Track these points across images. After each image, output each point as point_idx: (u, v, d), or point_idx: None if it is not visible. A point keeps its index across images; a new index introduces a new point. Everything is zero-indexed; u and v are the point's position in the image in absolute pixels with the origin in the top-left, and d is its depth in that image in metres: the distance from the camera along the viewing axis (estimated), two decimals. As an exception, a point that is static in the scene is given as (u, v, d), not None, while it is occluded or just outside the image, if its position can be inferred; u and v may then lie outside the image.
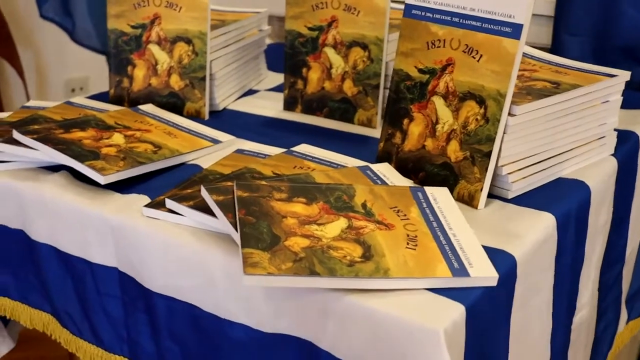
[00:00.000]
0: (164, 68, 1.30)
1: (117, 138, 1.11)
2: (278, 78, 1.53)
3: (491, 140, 0.94)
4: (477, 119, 0.96)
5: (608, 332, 1.27)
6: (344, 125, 1.27)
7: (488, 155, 0.94)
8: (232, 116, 1.32)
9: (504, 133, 0.94)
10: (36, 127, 1.10)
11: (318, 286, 0.75)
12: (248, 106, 1.36)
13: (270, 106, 1.37)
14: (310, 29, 1.28)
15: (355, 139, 1.21)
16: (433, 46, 1.01)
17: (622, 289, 1.28)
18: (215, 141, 1.16)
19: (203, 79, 1.28)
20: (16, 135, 1.07)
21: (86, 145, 1.06)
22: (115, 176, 1.00)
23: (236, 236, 0.81)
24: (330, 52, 1.27)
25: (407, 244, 0.82)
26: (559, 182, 1.03)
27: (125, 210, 0.95)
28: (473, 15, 0.96)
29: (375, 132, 1.24)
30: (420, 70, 1.02)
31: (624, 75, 1.08)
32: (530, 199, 0.98)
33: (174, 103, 1.30)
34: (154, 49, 1.30)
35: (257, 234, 0.80)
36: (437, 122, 1.00)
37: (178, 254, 0.89)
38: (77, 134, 1.10)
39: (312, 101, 1.31)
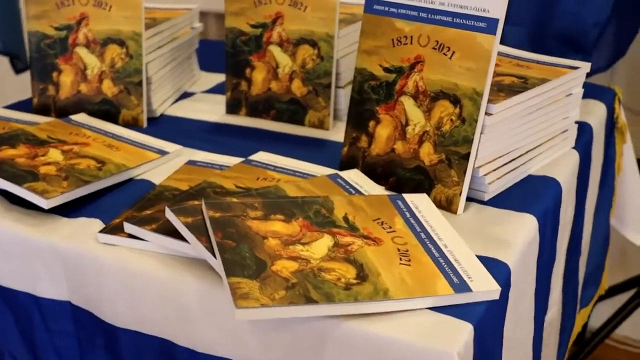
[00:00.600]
0: (95, 73, 1.19)
1: (54, 154, 1.00)
2: (212, 78, 1.44)
3: (469, 141, 0.90)
4: (452, 120, 0.91)
5: (568, 324, 1.26)
6: (294, 128, 1.20)
7: (466, 157, 0.90)
8: (172, 122, 1.23)
9: (481, 133, 0.90)
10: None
11: (316, 314, 0.69)
12: (187, 111, 1.27)
13: (211, 110, 1.28)
14: (253, 26, 1.20)
15: (310, 143, 1.14)
16: (399, 43, 0.95)
17: (578, 280, 1.27)
18: (162, 152, 1.07)
19: (139, 83, 1.18)
20: (-62, 157, 0.95)
21: (21, 164, 0.95)
22: (60, 199, 0.89)
23: (216, 263, 0.73)
24: (275, 50, 1.20)
25: (400, 259, 0.76)
26: (530, 180, 1.00)
27: (76, 236, 0.86)
28: (443, 10, 0.91)
29: (329, 134, 1.18)
30: (386, 69, 0.97)
31: (586, 67, 1.06)
32: (507, 200, 0.94)
33: (107, 111, 1.20)
34: (81, 52, 1.19)
35: (240, 259, 0.73)
36: (407, 124, 0.95)
37: (144, 283, 0.80)
38: (7, 152, 0.98)
39: (257, 103, 1.23)
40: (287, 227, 0.79)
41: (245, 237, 0.76)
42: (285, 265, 0.73)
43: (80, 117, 1.15)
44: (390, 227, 0.82)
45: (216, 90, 1.38)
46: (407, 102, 0.95)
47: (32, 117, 1.19)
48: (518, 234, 0.86)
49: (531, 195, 0.96)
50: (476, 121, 0.89)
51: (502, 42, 1.59)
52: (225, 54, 1.23)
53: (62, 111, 1.21)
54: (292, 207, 0.82)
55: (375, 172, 0.98)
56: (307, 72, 1.18)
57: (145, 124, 1.19)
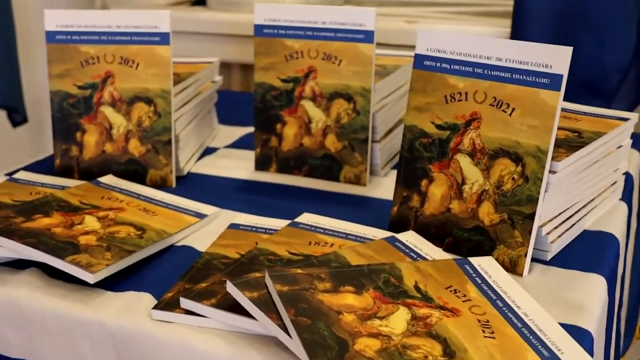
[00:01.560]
0: (121, 132, 1.15)
1: (91, 222, 0.95)
2: (232, 132, 1.41)
3: (533, 200, 0.86)
4: (513, 178, 0.88)
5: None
6: (328, 184, 1.16)
7: (531, 217, 0.87)
8: (200, 181, 1.18)
9: (545, 192, 0.87)
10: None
11: (410, 398, 0.65)
12: (214, 168, 1.23)
13: (238, 166, 1.24)
14: (283, 80, 1.17)
15: (349, 200, 1.10)
16: (453, 100, 0.92)
17: (620, 332, 1.24)
18: (200, 215, 1.02)
19: (168, 142, 1.14)
20: (-31, 229, 0.89)
21: (59, 235, 0.90)
22: (105, 272, 0.84)
23: (293, 344, 0.69)
24: (308, 105, 1.16)
25: (483, 332, 0.72)
26: (587, 235, 0.97)
27: (126, 313, 0.80)
28: (500, 66, 0.88)
29: (365, 190, 1.14)
30: (439, 127, 0.94)
31: (634, 118, 1.04)
32: (569, 259, 0.91)
33: (134, 171, 1.15)
34: (107, 111, 1.15)
35: (319, 339, 0.68)
36: (463, 183, 0.92)
37: (206, 363, 0.75)
38: (42, 221, 0.93)
39: (288, 159, 1.19)
40: (359, 299, 0.75)
41: (319, 314, 0.71)
42: (368, 344, 0.68)
43: (109, 179, 1.10)
44: (465, 296, 0.78)
45: (239, 144, 1.34)
46: (463, 160, 0.92)
47: (55, 179, 1.13)
48: (592, 297, 0.83)
49: (593, 253, 0.93)
50: (540, 180, 0.86)
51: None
52: (254, 109, 1.20)
53: (86, 172, 1.16)
54: (360, 277, 0.78)
55: (429, 232, 0.94)
56: (342, 127, 1.15)
57: (174, 184, 1.15)
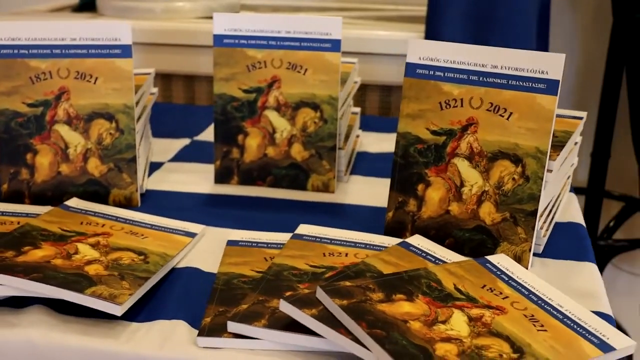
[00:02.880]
0: (78, 152, 1.07)
1: (87, 251, 0.88)
2: (167, 145, 1.36)
3: (535, 198, 0.92)
4: (514, 178, 0.93)
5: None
6: (295, 193, 1.16)
7: (533, 214, 0.92)
8: (161, 198, 1.13)
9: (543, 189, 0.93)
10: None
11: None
12: (169, 184, 1.18)
13: (194, 180, 1.20)
14: (245, 91, 1.15)
15: (328, 209, 1.11)
16: (448, 106, 0.96)
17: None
18: (190, 234, 0.98)
19: (133, 159, 1.08)
20: (-40, 269, 0.80)
21: (62, 267, 0.83)
22: (129, 302, 0.79)
23: (373, 357, 0.69)
24: (272, 115, 1.15)
25: (534, 326, 0.76)
26: (560, 227, 1.05)
27: (167, 343, 0.76)
28: (496, 73, 0.93)
29: (335, 197, 1.15)
30: (434, 132, 0.97)
31: (585, 116, 1.13)
32: (556, 251, 0.97)
33: (94, 192, 1.08)
34: (62, 129, 1.07)
35: (401, 349, 0.69)
36: (462, 185, 0.95)
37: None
38: (35, 254, 0.85)
39: (251, 170, 1.17)
40: (415, 306, 0.76)
41: (389, 324, 0.72)
42: (446, 349, 0.70)
43: (76, 203, 1.03)
44: (501, 293, 0.81)
45: (182, 158, 1.30)
46: (461, 164, 0.95)
47: (9, 206, 1.04)
48: (596, 284, 0.89)
49: (574, 243, 1.00)
50: (542, 179, 0.92)
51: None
52: (215, 121, 1.17)
53: (39, 196, 1.07)
54: (405, 284, 0.79)
55: (427, 234, 0.97)
56: (308, 136, 1.15)
57: (139, 203, 1.09)
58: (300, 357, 0.75)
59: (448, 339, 0.72)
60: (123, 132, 1.07)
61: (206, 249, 0.97)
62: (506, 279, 0.85)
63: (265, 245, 0.95)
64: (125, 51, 1.06)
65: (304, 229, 0.98)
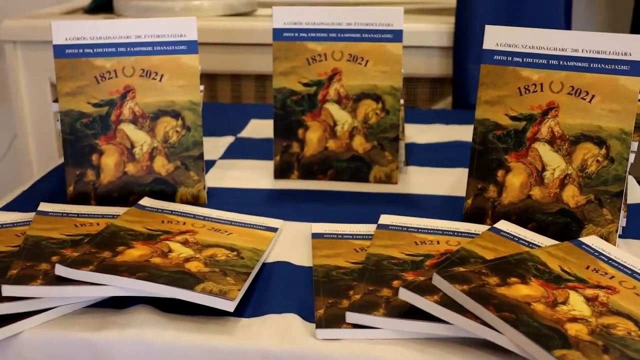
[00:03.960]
0: (144, 151, 1.05)
1: (180, 248, 0.87)
2: (211, 143, 1.34)
3: (621, 179, 0.92)
4: (597, 160, 0.94)
5: None
6: (358, 186, 1.16)
7: (619, 195, 0.93)
8: (225, 196, 1.12)
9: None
10: (77, 255, 0.81)
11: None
12: (228, 180, 1.17)
13: (253, 177, 1.19)
14: (305, 84, 1.14)
15: (395, 199, 1.10)
16: (527, 91, 0.96)
17: None
18: (271, 229, 0.97)
19: (200, 157, 1.07)
20: (63, 270, 0.78)
21: (163, 265, 0.81)
22: (239, 297, 0.78)
23: (506, 340, 0.69)
24: (332, 107, 1.15)
25: (649, 303, 0.77)
26: (631, 208, 1.06)
27: (286, 336, 0.75)
28: (578, 57, 0.94)
29: (400, 188, 1.15)
30: (514, 118, 0.97)
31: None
32: (636, 231, 0.98)
33: (161, 191, 1.06)
34: (127, 129, 1.05)
35: (536, 330, 0.69)
36: (543, 169, 0.96)
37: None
38: (132, 254, 0.84)
39: (311, 164, 1.17)
40: (531, 289, 0.76)
41: (514, 307, 0.72)
42: (576, 329, 0.70)
43: (149, 202, 1.01)
44: (606, 273, 0.82)
45: (232, 154, 1.28)
46: (542, 148, 0.96)
47: (82, 208, 1.01)
48: (688, 261, 0.91)
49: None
50: (627, 159, 0.92)
51: (468, 82, 1.67)
52: (274, 116, 1.16)
53: (105, 197, 1.05)
54: (514, 268, 0.79)
55: (508, 220, 0.97)
56: (370, 127, 1.14)
57: (206, 201, 1.08)
58: (420, 344, 0.74)
59: (574, 319, 0.72)
60: (189, 129, 1.06)
61: (289, 243, 0.96)
62: (605, 259, 0.86)
63: (351, 237, 0.95)
64: (190, 47, 1.04)
65: (387, 219, 0.97)
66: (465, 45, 1.62)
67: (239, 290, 0.79)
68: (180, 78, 1.05)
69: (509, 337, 0.69)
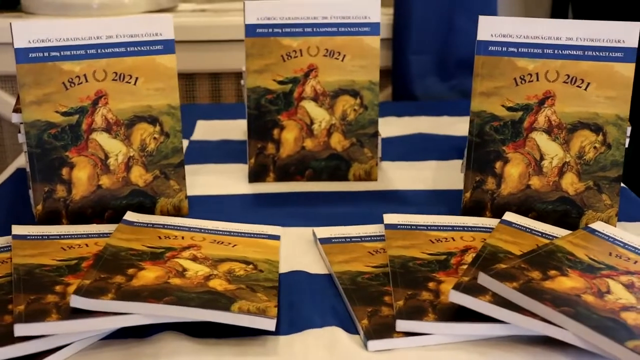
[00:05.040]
0: (120, 161, 0.97)
1: (193, 266, 0.80)
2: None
3: (618, 164, 0.94)
4: (595, 147, 0.95)
5: None
6: (338, 185, 1.12)
7: (617, 180, 0.94)
8: (203, 203, 1.05)
9: (623, 155, 0.95)
10: (90, 283, 0.73)
11: None
12: (201, 188, 1.10)
13: (225, 182, 1.12)
14: (280, 82, 1.09)
15: (382, 197, 1.08)
16: (523, 81, 0.96)
17: None
18: (274, 237, 0.92)
19: (180, 164, 0.99)
20: (81, 301, 0.69)
21: (184, 286, 0.75)
22: (274, 312, 0.73)
23: (570, 335, 0.67)
24: (309, 105, 1.10)
25: (680, 285, 0.78)
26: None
27: (335, 351, 0.70)
28: (572, 45, 0.94)
29: (381, 185, 1.12)
30: (510, 108, 0.96)
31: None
32: (626, 214, 1.00)
33: (139, 204, 0.98)
34: (100, 138, 0.96)
35: (598, 322, 0.68)
36: (542, 159, 0.96)
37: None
38: (147, 276, 0.76)
39: (288, 165, 1.11)
40: (573, 281, 0.75)
41: (569, 301, 0.71)
42: (632, 317, 0.70)
43: (135, 217, 0.93)
44: (629, 258, 0.83)
45: (193, 160, 1.21)
46: (540, 137, 0.96)
47: (50, 228, 0.91)
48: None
49: (634, 204, 1.04)
50: (623, 144, 0.94)
51: (408, 72, 1.67)
52: (248, 117, 1.10)
53: (77, 215, 0.96)
54: (548, 261, 0.79)
55: (509, 210, 0.97)
56: (349, 124, 1.11)
57: (188, 211, 1.01)
58: (477, 347, 0.72)
59: (625, 308, 0.72)
60: (168, 135, 0.98)
61: (293, 250, 0.91)
62: (621, 244, 0.87)
63: (360, 240, 0.91)
64: (167, 47, 0.96)
65: (392, 218, 0.94)
66: (405, 36, 1.62)
67: (274, 306, 0.73)
68: (156, 80, 0.97)
69: (572, 332, 0.69)
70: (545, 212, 0.97)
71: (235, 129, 1.36)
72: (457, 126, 1.36)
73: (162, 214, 1.00)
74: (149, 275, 0.77)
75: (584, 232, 0.88)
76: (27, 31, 0.91)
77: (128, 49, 0.96)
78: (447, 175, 1.15)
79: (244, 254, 0.85)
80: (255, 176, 1.12)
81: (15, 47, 0.91)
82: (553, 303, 0.71)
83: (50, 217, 0.96)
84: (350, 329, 0.75)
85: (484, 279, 0.74)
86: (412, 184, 1.12)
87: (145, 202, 0.99)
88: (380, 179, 1.14)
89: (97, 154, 0.96)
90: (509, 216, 0.94)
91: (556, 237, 0.89)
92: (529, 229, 0.91)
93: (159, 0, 1.72)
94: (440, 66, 1.64)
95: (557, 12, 1.78)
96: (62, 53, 0.93)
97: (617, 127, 0.94)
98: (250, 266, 0.82)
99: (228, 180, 1.13)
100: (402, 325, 0.72)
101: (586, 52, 0.95)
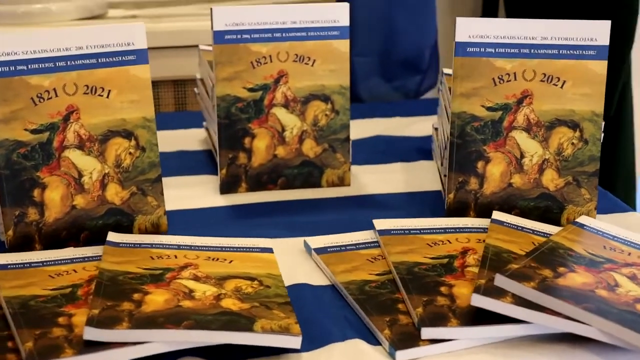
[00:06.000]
0: (95, 179, 0.91)
1: (196, 286, 0.76)
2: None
3: (595, 159, 0.97)
4: (573, 143, 0.97)
5: None
6: (312, 192, 1.10)
7: (595, 174, 0.97)
8: (179, 218, 1.01)
9: (598, 150, 0.98)
10: (99, 312, 0.68)
11: None
12: (171, 202, 1.04)
13: (195, 195, 1.08)
14: (250, 90, 1.06)
15: (360, 202, 1.07)
16: (501, 81, 0.97)
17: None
18: (267, 250, 0.89)
19: (158, 179, 0.95)
20: (95, 333, 0.64)
21: (199, 309, 0.71)
22: (298, 329, 0.70)
23: (596, 332, 0.68)
24: (280, 112, 1.07)
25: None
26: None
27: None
28: (547, 44, 0.96)
29: (354, 190, 1.11)
30: (490, 108, 0.97)
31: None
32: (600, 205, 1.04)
33: (116, 223, 0.93)
34: (73, 155, 0.90)
35: (620, 316, 0.69)
36: (522, 157, 0.97)
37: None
38: (157, 301, 0.72)
39: (261, 175, 1.09)
40: (582, 276, 0.76)
41: (586, 297, 0.72)
42: (647, 309, 0.72)
43: (118, 237, 0.88)
44: (622, 251, 0.85)
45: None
46: (519, 136, 0.97)
47: (32, 255, 0.85)
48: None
49: (601, 194, 1.07)
50: (599, 139, 0.97)
51: (353, 74, 1.67)
52: (218, 126, 1.06)
53: (51, 238, 0.90)
54: (552, 257, 0.80)
55: (491, 210, 0.98)
56: (320, 130, 1.09)
57: (167, 228, 0.96)
58: (501, 349, 0.72)
59: (638, 300, 0.74)
60: (144, 149, 0.93)
61: (288, 262, 0.89)
62: (611, 237, 0.89)
63: (355, 247, 0.90)
64: (140, 57, 0.92)
65: (382, 224, 0.93)
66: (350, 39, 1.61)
67: (295, 322, 0.71)
68: (130, 92, 0.92)
69: (597, 328, 0.70)
70: (527, 209, 0.99)
71: (189, 139, 1.32)
72: (413, 127, 1.36)
73: (140, 232, 0.95)
74: (158, 299, 0.73)
75: (573, 227, 0.90)
76: (-7, 44, 0.85)
77: (99, 60, 0.90)
78: (418, 176, 1.16)
79: (244, 270, 0.82)
80: (228, 187, 1.09)
81: (-18, 62, 0.85)
82: (574, 300, 0.72)
83: (22, 243, 0.90)
84: (370, 339, 0.74)
85: (501, 281, 0.74)
86: (385, 188, 1.12)
87: (122, 220, 0.94)
88: (352, 183, 1.13)
89: (70, 172, 0.91)
90: (498, 215, 0.95)
91: (547, 234, 0.91)
92: (520, 226, 0.92)
93: (88, 7, 1.65)
94: (383, 67, 1.65)
95: (488, 10, 1.83)
96: (29, 66, 0.87)
97: (592, 122, 0.97)
98: (256, 282, 0.79)
99: (198, 192, 1.09)
100: (427, 332, 0.72)
101: (561, 51, 0.97)
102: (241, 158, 1.08)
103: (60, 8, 1.61)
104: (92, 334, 0.66)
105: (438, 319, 0.73)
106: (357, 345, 0.72)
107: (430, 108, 1.43)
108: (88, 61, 0.90)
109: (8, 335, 0.70)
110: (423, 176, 1.15)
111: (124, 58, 0.92)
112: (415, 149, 1.27)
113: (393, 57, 1.65)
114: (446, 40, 1.82)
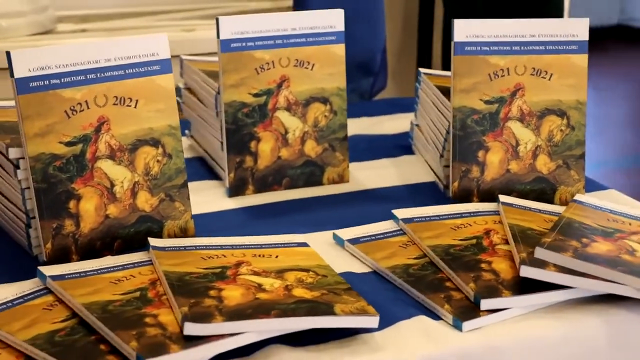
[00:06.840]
0: (126, 188, 0.93)
1: (264, 280, 0.80)
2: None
3: (581, 143, 1.07)
4: (561, 130, 1.06)
5: None
6: (313, 190, 1.15)
7: (582, 157, 1.07)
8: (201, 222, 1.03)
9: (583, 133, 1.08)
10: (190, 309, 0.71)
11: None
12: (185, 208, 1.07)
13: (204, 200, 1.10)
14: (255, 95, 1.09)
15: (363, 197, 1.12)
16: (496, 77, 1.05)
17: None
18: (304, 244, 0.93)
19: (184, 185, 0.97)
20: (195, 328, 0.67)
21: (283, 299, 0.75)
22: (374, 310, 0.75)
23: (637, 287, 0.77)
24: (283, 115, 1.11)
25: (673, 238, 0.91)
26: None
27: (439, 337, 0.75)
28: (536, 41, 1.05)
29: (354, 186, 1.16)
30: (487, 102, 1.05)
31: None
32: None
33: (147, 230, 0.94)
34: (105, 166, 0.91)
35: (651, 275, 0.79)
36: (517, 145, 1.06)
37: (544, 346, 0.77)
38: (233, 295, 0.75)
39: (266, 176, 1.12)
40: (604, 245, 0.85)
41: (616, 262, 0.81)
42: (667, 268, 0.82)
43: (161, 242, 0.90)
44: (623, 222, 0.95)
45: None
46: (515, 125, 1.06)
47: (83, 264, 0.85)
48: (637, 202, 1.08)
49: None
50: (584, 125, 1.07)
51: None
52: (225, 132, 1.09)
53: (87, 249, 0.91)
54: (572, 230, 0.88)
55: (493, 195, 1.06)
56: (320, 130, 1.14)
57: (194, 231, 0.98)
58: (551, 313, 0.80)
59: (656, 263, 0.84)
60: (171, 156, 0.95)
61: (325, 254, 0.93)
62: (609, 211, 0.99)
63: (383, 237, 0.96)
64: (164, 67, 0.94)
65: (402, 213, 0.99)
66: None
67: (368, 304, 0.76)
68: (156, 102, 0.94)
69: (632, 286, 0.79)
70: (524, 192, 1.08)
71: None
72: (385, 125, 1.44)
73: (169, 237, 0.97)
74: (234, 294, 0.76)
75: (575, 204, 1.00)
76: (26, 59, 0.85)
77: (127, 71, 0.92)
78: (408, 170, 1.23)
79: (294, 263, 0.86)
80: (236, 190, 1.12)
81: (16, 77, 0.84)
82: (608, 264, 0.81)
83: (60, 255, 0.90)
84: (431, 315, 0.80)
85: (541, 253, 0.82)
86: (382, 182, 1.18)
87: (152, 227, 0.95)
88: (351, 180, 1.19)
89: (102, 182, 0.92)
90: (505, 198, 1.03)
91: (551, 212, 1.00)
92: (527, 207, 1.01)
93: (40, 22, 1.63)
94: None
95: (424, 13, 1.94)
96: (62, 80, 0.88)
97: (578, 110, 1.08)
98: (312, 273, 0.84)
99: (206, 197, 1.12)
100: (486, 304, 0.79)
101: (547, 47, 1.07)
102: (248, 161, 1.12)
103: (12, 24, 1.58)
104: (192, 329, 0.68)
105: (492, 292, 0.80)
106: (423, 321, 0.79)
107: (388, 108, 1.52)
108: (116, 73, 0.92)
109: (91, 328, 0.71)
110: (413, 169, 1.23)
111: (149, 68, 0.94)
112: (394, 146, 1.34)
113: (348, 61, 1.72)
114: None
